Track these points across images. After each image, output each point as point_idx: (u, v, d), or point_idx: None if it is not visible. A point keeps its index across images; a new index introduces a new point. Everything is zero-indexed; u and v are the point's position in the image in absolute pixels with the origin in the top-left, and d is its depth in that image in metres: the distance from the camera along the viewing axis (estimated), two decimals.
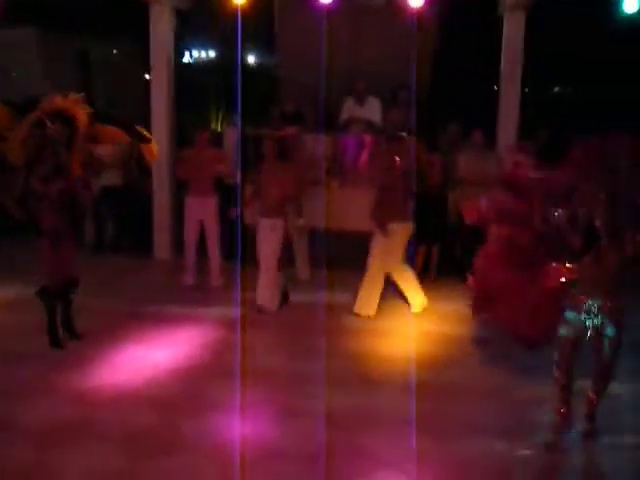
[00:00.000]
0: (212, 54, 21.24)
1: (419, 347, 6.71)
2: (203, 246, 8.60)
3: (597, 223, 4.53)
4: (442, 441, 4.94)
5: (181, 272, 8.67)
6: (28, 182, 6.20)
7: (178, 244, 9.40)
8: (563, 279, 4.71)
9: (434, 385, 5.85)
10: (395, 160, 8.18)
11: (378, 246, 7.40)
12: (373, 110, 9.97)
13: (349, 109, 10.02)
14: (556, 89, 18.55)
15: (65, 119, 6.23)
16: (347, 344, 6.74)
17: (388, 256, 7.45)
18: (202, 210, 8.46)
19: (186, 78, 11.10)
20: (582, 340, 4.79)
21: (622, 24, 10.37)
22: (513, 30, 9.22)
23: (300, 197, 7.83)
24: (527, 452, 4.83)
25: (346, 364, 6.24)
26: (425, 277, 8.50)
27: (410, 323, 7.33)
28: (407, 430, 5.06)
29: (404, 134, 8.44)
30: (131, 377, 5.91)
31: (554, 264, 4.73)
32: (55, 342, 6.56)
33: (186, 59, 20.33)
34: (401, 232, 7.42)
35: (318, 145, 9.34)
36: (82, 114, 6.32)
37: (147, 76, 12.61)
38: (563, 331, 4.80)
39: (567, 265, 4.69)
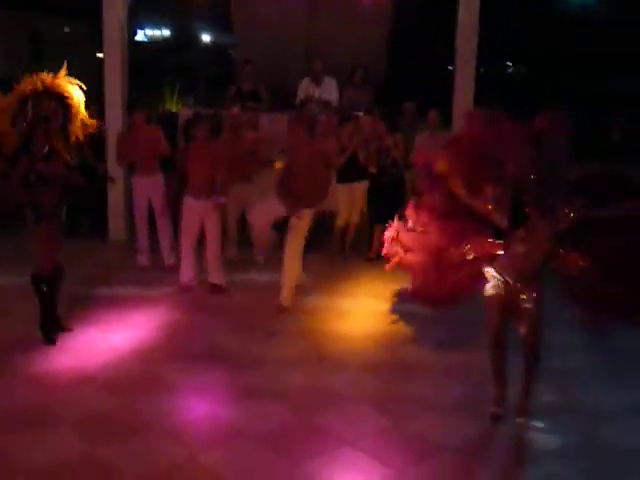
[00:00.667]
0: (167, 33, 20.93)
1: (376, 326, 6.77)
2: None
3: (526, 200, 4.62)
4: (399, 418, 5.01)
5: (136, 253, 8.60)
6: (25, 163, 5.92)
7: (133, 225, 9.32)
8: (485, 254, 4.80)
9: (391, 363, 5.92)
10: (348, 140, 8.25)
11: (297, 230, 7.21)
12: (330, 90, 9.98)
13: (306, 89, 10.01)
14: (510, 69, 18.74)
15: (57, 97, 5.98)
16: (304, 324, 6.77)
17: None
18: (149, 189, 8.40)
19: (140, 57, 10.92)
20: (508, 304, 4.85)
21: (574, 6, 10.54)
22: (468, 10, 9.26)
23: (224, 177, 7.68)
24: (483, 427, 4.93)
25: (304, 344, 6.28)
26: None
27: (367, 303, 7.37)
28: (365, 409, 5.14)
29: (360, 114, 8.47)
30: (88, 360, 5.86)
31: (481, 238, 4.81)
32: (50, 339, 6.22)
33: (140, 37, 19.98)
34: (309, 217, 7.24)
35: (275, 125, 9.32)
36: (75, 93, 6.09)
37: (100, 55, 12.39)
38: (489, 291, 4.91)
39: (492, 241, 4.76)
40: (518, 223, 4.59)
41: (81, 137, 6.20)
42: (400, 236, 5.97)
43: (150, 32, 21.00)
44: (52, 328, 6.27)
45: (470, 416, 5.05)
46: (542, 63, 13.71)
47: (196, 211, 7.52)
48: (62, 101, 6.03)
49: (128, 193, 9.45)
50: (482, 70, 11.53)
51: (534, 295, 4.78)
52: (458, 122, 9.36)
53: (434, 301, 5.43)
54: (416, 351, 6.17)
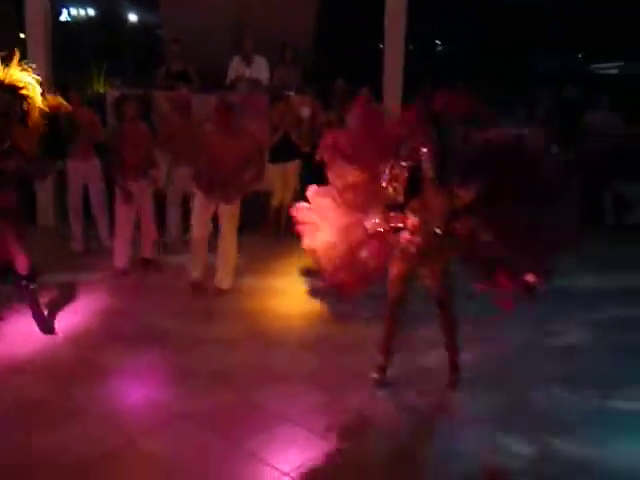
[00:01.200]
0: (91, 12, 20.44)
1: (311, 304, 6.81)
2: (89, 211, 8.42)
3: (424, 176, 4.79)
4: (335, 393, 5.08)
5: (69, 239, 8.45)
6: None
7: (61, 210, 9.16)
8: (387, 227, 4.94)
9: (326, 340, 5.98)
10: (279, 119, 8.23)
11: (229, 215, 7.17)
12: (260, 69, 9.92)
13: (236, 68, 9.93)
14: (439, 47, 18.91)
15: (12, 90, 5.55)
16: (240, 304, 6.78)
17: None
18: (84, 174, 8.25)
19: (65, 37, 10.66)
20: (411, 276, 5.06)
21: None
22: None
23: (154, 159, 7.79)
24: (411, 398, 5.07)
25: (241, 324, 6.29)
26: None
27: (302, 282, 7.40)
28: (302, 385, 5.19)
29: (290, 93, 8.46)
30: (21, 348, 5.73)
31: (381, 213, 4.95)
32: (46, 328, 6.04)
33: (64, 17, 19.46)
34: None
35: (205, 106, 9.22)
36: (30, 82, 5.70)
37: (22, 35, 12.04)
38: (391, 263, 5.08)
39: (392, 214, 4.92)
40: (411, 196, 4.81)
41: (42, 127, 5.85)
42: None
43: (74, 11, 20.47)
44: (44, 319, 6.10)
45: (399, 388, 5.18)
46: (469, 42, 13.90)
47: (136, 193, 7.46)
48: (17, 93, 5.62)
49: (56, 176, 9.24)
50: (411, 47, 11.65)
51: (437, 271, 5.02)
52: (388, 99, 9.46)
53: (346, 284, 5.48)
54: (351, 327, 6.24)
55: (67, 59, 11.15)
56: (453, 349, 5.27)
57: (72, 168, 8.25)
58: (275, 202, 8.95)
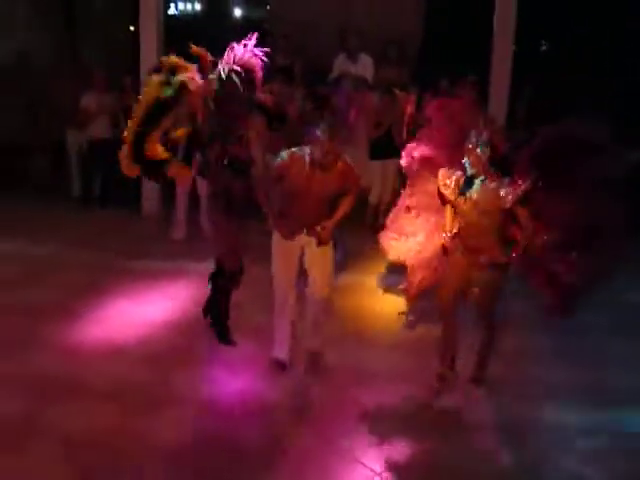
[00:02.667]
0: (198, 7, 20.85)
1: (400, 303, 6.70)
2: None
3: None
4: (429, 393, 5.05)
5: (170, 226, 8.63)
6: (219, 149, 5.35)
7: (167, 198, 9.36)
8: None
9: (416, 341, 5.90)
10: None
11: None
12: (365, 67, 9.87)
13: (341, 65, 9.91)
14: (544, 47, 18.40)
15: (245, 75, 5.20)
16: (337, 302, 6.74)
17: None
18: None
19: (172, 31, 10.89)
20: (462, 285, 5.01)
21: None
22: None
23: None
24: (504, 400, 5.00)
25: (335, 321, 6.25)
26: None
27: (390, 279, 7.28)
28: (395, 385, 5.17)
29: (397, 91, 8.38)
30: (121, 332, 5.89)
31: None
32: (229, 341, 5.74)
33: (172, 11, 19.93)
34: None
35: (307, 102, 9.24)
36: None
37: (132, 28, 12.38)
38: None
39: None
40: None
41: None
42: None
43: (182, 6, 20.95)
44: (229, 329, 5.79)
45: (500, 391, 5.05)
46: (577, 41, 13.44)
47: None
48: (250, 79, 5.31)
49: None
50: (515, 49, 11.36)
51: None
52: (494, 100, 9.28)
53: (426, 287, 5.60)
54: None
55: (175, 52, 11.39)
56: (482, 364, 5.15)
57: None
58: (373, 199, 8.90)
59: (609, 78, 10.78)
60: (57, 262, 7.54)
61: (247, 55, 5.29)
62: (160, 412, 4.69)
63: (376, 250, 6.73)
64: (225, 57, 5.26)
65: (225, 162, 5.31)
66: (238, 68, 5.17)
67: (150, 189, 9.74)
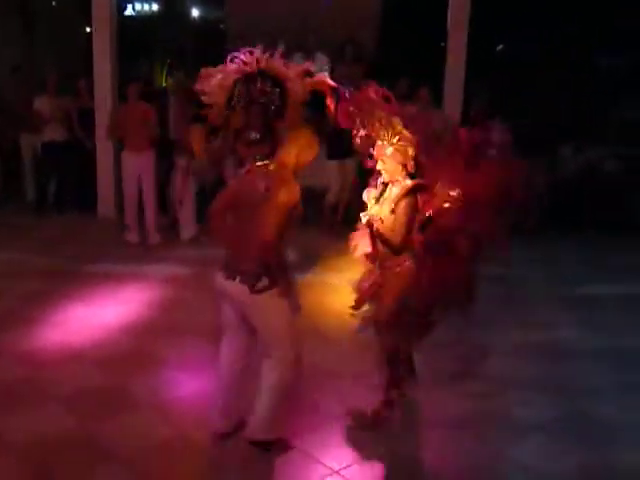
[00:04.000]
0: (155, 7, 20.66)
1: None
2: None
3: None
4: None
5: (125, 230, 8.58)
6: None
7: (122, 201, 9.29)
8: None
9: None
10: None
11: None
12: (321, 67, 9.89)
13: None
14: (499, 47, 18.60)
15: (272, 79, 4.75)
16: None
17: None
18: (139, 165, 8.36)
19: (129, 32, 10.83)
20: None
21: None
22: None
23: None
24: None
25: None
26: None
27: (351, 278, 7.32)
28: (352, 384, 5.18)
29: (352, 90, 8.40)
30: (78, 337, 5.83)
31: None
32: None
33: (129, 12, 19.73)
34: None
35: None
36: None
37: (88, 29, 12.26)
38: None
39: None
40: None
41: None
42: None
43: (139, 7, 20.73)
44: None
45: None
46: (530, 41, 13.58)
47: None
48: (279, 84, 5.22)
49: (118, 168, 9.41)
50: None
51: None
52: (449, 99, 9.36)
53: None
54: None
55: (131, 53, 11.30)
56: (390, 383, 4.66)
57: (126, 159, 8.39)
58: (331, 198, 8.93)
59: (564, 76, 10.96)
60: (11, 269, 7.45)
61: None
62: (116, 416, 4.64)
63: (336, 248, 6.77)
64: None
65: None
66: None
67: (106, 192, 9.67)
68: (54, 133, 9.60)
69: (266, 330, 4.19)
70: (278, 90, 4.37)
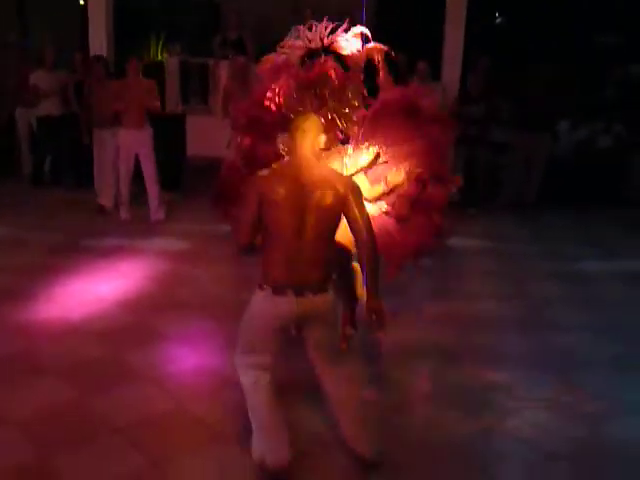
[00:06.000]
0: None
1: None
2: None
3: None
4: None
5: (118, 206, 8.58)
6: None
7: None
8: None
9: None
10: None
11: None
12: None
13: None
14: (498, 20, 18.51)
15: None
16: None
17: None
18: (136, 143, 8.28)
19: (124, 5, 10.72)
20: None
21: None
22: None
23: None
24: None
25: None
26: None
27: None
28: None
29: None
30: (76, 310, 5.83)
31: None
32: None
33: None
34: None
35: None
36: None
37: (82, 1, 12.17)
38: None
39: None
40: None
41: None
42: None
43: None
44: None
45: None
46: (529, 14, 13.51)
47: None
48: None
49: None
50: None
51: None
52: (447, 74, 9.32)
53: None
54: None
55: (126, 27, 11.21)
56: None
57: (123, 135, 8.30)
58: None
59: (562, 48, 10.92)
60: (8, 243, 7.44)
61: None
62: (114, 389, 4.65)
63: None
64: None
65: None
66: None
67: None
68: (51, 107, 9.55)
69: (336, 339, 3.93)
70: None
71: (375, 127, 4.39)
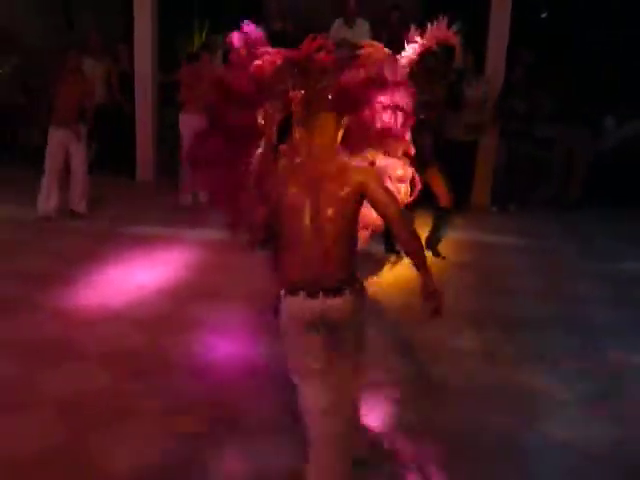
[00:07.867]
0: None
1: None
2: None
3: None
4: None
5: (165, 194, 8.61)
6: None
7: (160, 165, 9.32)
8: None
9: None
10: None
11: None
12: (361, 33, 9.74)
13: (337, 31, 9.78)
14: (544, 14, 18.21)
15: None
16: None
17: None
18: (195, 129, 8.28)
19: None
20: None
21: None
22: None
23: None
24: None
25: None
26: None
27: None
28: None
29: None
30: (115, 297, 5.88)
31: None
32: None
33: None
34: None
35: None
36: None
37: None
38: None
39: None
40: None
41: None
42: None
43: None
44: None
45: None
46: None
47: None
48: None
49: (157, 133, 9.42)
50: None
51: None
52: (491, 67, 9.21)
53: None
54: None
55: (170, 16, 11.25)
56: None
57: (191, 122, 8.07)
58: None
59: (607, 45, 10.71)
60: (50, 228, 7.53)
61: None
62: (151, 376, 4.68)
63: None
64: None
65: None
66: None
67: (144, 155, 9.70)
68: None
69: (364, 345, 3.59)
70: None
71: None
